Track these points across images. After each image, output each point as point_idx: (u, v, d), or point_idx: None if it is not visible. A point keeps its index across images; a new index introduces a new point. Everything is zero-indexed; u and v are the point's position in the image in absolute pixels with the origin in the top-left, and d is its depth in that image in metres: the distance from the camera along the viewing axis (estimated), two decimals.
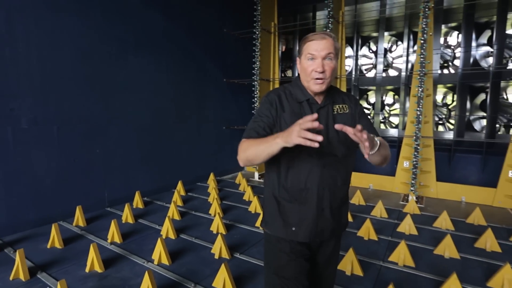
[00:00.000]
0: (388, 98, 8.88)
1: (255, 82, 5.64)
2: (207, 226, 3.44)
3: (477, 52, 6.17)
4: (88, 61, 3.74)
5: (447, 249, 2.92)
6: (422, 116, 4.37)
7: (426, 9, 4.09)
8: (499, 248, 3.02)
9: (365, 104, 8.71)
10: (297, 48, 7.29)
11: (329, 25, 4.83)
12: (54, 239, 2.92)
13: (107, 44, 3.94)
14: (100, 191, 3.94)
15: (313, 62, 1.21)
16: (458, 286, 2.20)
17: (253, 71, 5.72)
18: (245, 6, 5.79)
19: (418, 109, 4.27)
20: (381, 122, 8.43)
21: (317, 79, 1.21)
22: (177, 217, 3.67)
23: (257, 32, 5.57)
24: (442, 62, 8.00)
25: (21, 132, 3.19)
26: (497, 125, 6.75)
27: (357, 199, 4.42)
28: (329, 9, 4.81)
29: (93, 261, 2.53)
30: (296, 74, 1.36)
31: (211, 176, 5.37)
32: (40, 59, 3.31)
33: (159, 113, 4.69)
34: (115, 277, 2.44)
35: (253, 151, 1.12)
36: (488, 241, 3.08)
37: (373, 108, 7.99)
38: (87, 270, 2.51)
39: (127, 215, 3.56)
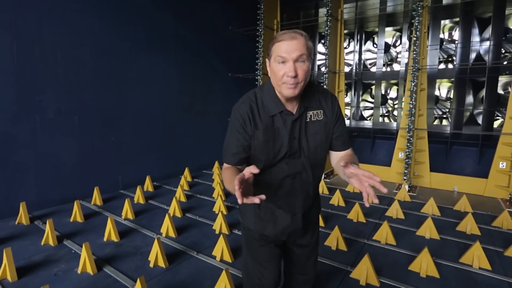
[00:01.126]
0: (392, 92, 9.02)
1: (258, 77, 5.94)
2: (210, 207, 3.80)
3: (481, 47, 6.27)
4: (106, 58, 4.14)
5: (428, 230, 3.18)
6: (415, 109, 4.58)
7: (419, 8, 4.29)
8: (479, 232, 3.25)
9: (368, 98, 8.88)
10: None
11: (328, 23, 5.07)
12: (76, 214, 3.33)
13: (122, 43, 4.31)
14: (114, 175, 4.36)
15: (284, 65, 1.11)
16: (429, 259, 2.48)
17: (256, 66, 6.01)
18: (250, 4, 6.06)
19: (411, 102, 4.48)
20: (381, 116, 8.57)
21: (289, 83, 1.11)
22: (183, 199, 4.05)
23: (260, 30, 5.85)
24: (445, 56, 8.09)
25: (47, 121, 3.61)
26: (500, 119, 6.85)
27: (351, 187, 4.69)
28: (327, 8, 5.04)
29: (110, 232, 2.92)
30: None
31: (216, 164, 5.74)
32: (64, 57, 3.71)
33: (169, 105, 5.07)
34: (129, 245, 2.82)
35: (227, 188, 1.15)
36: (469, 225, 3.32)
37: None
38: (105, 239, 2.91)
39: (138, 196, 3.95)
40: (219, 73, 6.00)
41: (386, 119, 9.10)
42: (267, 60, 1.20)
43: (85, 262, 2.36)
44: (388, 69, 8.66)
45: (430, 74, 5.67)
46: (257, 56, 6.00)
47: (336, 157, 1.33)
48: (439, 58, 7.33)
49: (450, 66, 7.70)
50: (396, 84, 8.33)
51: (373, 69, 8.07)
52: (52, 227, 2.82)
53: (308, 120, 1.24)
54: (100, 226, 3.13)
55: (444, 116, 8.49)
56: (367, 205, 1.00)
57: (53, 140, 3.68)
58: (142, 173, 4.62)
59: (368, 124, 7.90)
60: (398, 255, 2.79)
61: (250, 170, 0.93)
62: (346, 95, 8.17)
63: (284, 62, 1.11)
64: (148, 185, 4.49)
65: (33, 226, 3.17)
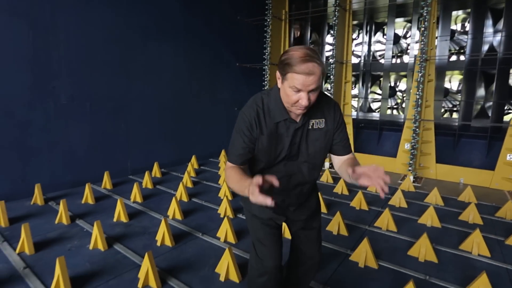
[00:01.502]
0: (402, 84, 8.90)
1: (266, 67, 5.97)
2: (216, 193, 3.90)
3: (494, 38, 6.13)
4: (116, 47, 4.24)
5: (429, 218, 3.22)
6: (422, 100, 4.55)
7: None
8: (481, 221, 3.27)
9: (377, 90, 8.79)
10: (308, 35, 7.48)
11: (336, 13, 5.04)
12: (88, 196, 3.48)
13: (131, 31, 4.41)
14: (124, 161, 4.51)
15: (298, 93, 1.14)
16: (428, 244, 2.53)
17: (263, 56, 6.04)
18: None
19: (418, 93, 4.46)
20: (389, 108, 8.49)
21: (300, 107, 1.17)
22: (190, 185, 4.16)
23: (268, 20, 5.85)
24: (457, 48, 7.92)
25: (60, 107, 3.74)
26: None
27: None
28: None
29: (119, 213, 3.06)
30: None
31: (222, 152, 5.84)
32: (76, 45, 3.83)
33: (177, 94, 5.16)
34: (137, 226, 2.95)
35: (232, 187, 1.24)
36: (471, 215, 3.34)
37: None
38: (114, 219, 3.05)
39: (147, 181, 4.08)
40: (227, 62, 6.05)
41: (395, 112, 9.02)
42: (279, 75, 1.20)
43: (97, 239, 2.50)
44: (398, 60, 8.54)
45: (439, 66, 5.61)
46: (264, 46, 6.02)
47: (339, 162, 1.39)
48: (451, 50, 7.19)
49: (461, 58, 7.55)
50: (406, 76, 8.23)
51: (382, 61, 7.96)
52: (65, 207, 2.97)
53: (310, 128, 1.31)
54: (110, 208, 3.27)
55: (455, 109, 8.36)
56: (383, 196, 1.04)
57: (66, 126, 3.82)
58: (151, 159, 4.75)
59: (376, 116, 7.86)
60: (398, 241, 2.84)
61: (272, 181, 1.04)
62: (355, 86, 8.13)
63: (299, 91, 1.14)
64: (156, 171, 4.62)
65: (47, 207, 3.33)
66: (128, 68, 4.42)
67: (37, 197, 3.39)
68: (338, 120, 1.35)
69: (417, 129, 4.56)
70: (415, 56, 6.78)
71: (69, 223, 2.94)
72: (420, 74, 4.44)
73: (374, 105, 9.10)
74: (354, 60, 7.93)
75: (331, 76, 5.30)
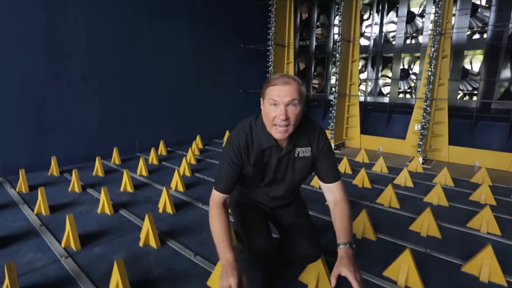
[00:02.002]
0: (416, 67, 8.55)
1: (270, 47, 5.87)
2: None
3: None
4: (123, 28, 4.33)
5: (436, 197, 3.12)
6: (434, 77, 4.35)
7: None
8: (494, 202, 3.09)
9: (389, 73, 8.47)
10: (315, 17, 7.25)
11: None
12: (98, 169, 3.62)
13: (137, 12, 4.47)
14: (131, 139, 4.66)
15: (276, 108, 1.19)
16: (431, 219, 2.46)
17: (268, 37, 5.94)
18: None
19: (430, 69, 4.27)
20: (402, 92, 8.18)
21: (279, 126, 1.20)
22: (193, 161, 4.25)
23: None
24: (480, 25, 7.48)
25: (72, 85, 3.90)
26: None
27: (361, 157, 4.64)
28: None
29: (125, 183, 3.16)
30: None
31: (227, 133, 5.89)
32: (85, 26, 3.94)
33: (182, 75, 5.23)
34: (142, 195, 3.06)
35: (212, 234, 1.26)
36: (483, 194, 3.17)
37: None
38: (121, 189, 3.17)
39: (152, 158, 4.20)
40: (231, 44, 6.03)
41: (407, 96, 8.71)
42: (261, 99, 1.28)
43: (104, 204, 2.62)
44: (413, 41, 8.16)
45: (457, 43, 5.31)
46: (269, 26, 5.91)
47: (331, 196, 1.41)
48: (472, 27, 6.76)
49: (485, 36, 7.11)
50: (419, 58, 7.88)
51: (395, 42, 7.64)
52: (77, 177, 3.13)
53: (297, 156, 1.36)
54: (117, 180, 3.38)
55: (475, 92, 7.98)
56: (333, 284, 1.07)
57: (78, 104, 3.99)
58: (157, 138, 4.86)
59: (386, 99, 7.62)
60: (400, 216, 2.79)
61: None
62: (364, 70, 7.86)
63: (276, 105, 1.19)
64: (162, 149, 4.74)
65: (62, 177, 3.53)
66: (135, 49, 4.50)
67: (53, 169, 3.58)
68: (322, 147, 1.36)
69: (428, 108, 4.38)
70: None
71: (80, 191, 3.09)
72: (433, 49, 4.24)
73: (386, 90, 8.78)
74: (365, 42, 7.66)
75: (337, 55, 5.16)
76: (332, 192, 1.40)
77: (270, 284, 1.59)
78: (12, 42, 3.34)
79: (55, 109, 3.76)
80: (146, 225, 2.11)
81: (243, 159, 1.32)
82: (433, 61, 4.26)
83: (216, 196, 1.34)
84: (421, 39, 7.88)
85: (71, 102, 3.89)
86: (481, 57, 7.44)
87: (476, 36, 7.02)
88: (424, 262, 2.04)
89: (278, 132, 1.22)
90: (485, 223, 2.55)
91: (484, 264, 1.89)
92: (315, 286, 1.70)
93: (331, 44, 6.99)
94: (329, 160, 1.38)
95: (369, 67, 7.59)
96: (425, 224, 2.46)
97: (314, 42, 6.83)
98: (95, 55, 4.06)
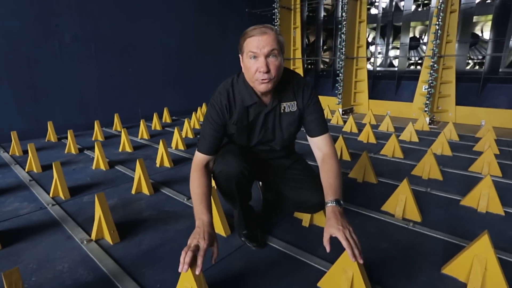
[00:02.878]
0: (427, 38, 8.20)
1: (275, 10, 5.67)
2: None
3: None
4: None
5: (440, 147, 3.04)
6: (442, 32, 4.15)
7: None
8: (498, 151, 3.05)
9: (398, 44, 8.16)
10: None
11: None
12: (97, 133, 3.61)
13: None
14: (134, 106, 4.60)
15: (256, 60, 1.12)
16: (432, 162, 2.39)
17: None
18: None
19: (437, 23, 4.07)
20: (412, 64, 7.88)
21: (262, 79, 1.14)
22: (197, 126, 4.20)
23: None
24: None
25: (65, 46, 3.78)
26: None
27: (368, 119, 4.53)
28: None
29: (124, 143, 3.15)
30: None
31: None
32: None
33: (182, 40, 5.08)
34: (140, 154, 3.03)
35: (191, 194, 1.21)
36: (487, 144, 3.11)
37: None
38: (119, 150, 3.15)
39: (155, 123, 4.17)
40: (235, 8, 5.82)
41: (419, 67, 8.40)
42: (240, 56, 1.21)
43: (98, 160, 2.59)
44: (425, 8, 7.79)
45: (466, 9, 5.02)
46: None
47: (318, 153, 1.32)
48: None
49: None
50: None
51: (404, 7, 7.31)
52: (73, 138, 3.10)
53: (283, 111, 1.30)
54: (117, 144, 3.36)
55: (484, 61, 7.66)
56: (353, 260, 0.98)
57: (73, 67, 3.88)
58: (161, 106, 4.79)
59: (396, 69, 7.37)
60: (403, 164, 2.72)
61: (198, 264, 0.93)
62: (373, 42, 7.57)
63: (256, 58, 1.12)
64: (166, 116, 4.70)
65: (60, 143, 3.50)
66: (130, 9, 4.34)
67: (51, 134, 3.55)
68: (308, 100, 1.30)
69: (435, 65, 4.21)
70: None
71: (77, 153, 3.07)
72: (441, 1, 4.01)
73: (396, 62, 8.49)
74: (374, 11, 7.36)
75: (343, 14, 4.95)
76: (319, 148, 1.31)
77: (249, 207, 1.53)
78: None
79: (48, 72, 3.65)
80: (138, 172, 2.08)
81: (226, 118, 1.27)
82: (441, 13, 4.04)
83: (199, 158, 1.29)
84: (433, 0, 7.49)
85: (65, 65, 3.79)
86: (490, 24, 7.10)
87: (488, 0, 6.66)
88: (424, 199, 1.99)
89: (261, 83, 1.15)
90: (486, 165, 2.50)
91: (483, 195, 1.83)
92: (309, 221, 1.66)
93: (340, 11, 6.74)
94: (315, 112, 1.31)
95: (377, 37, 7.30)
96: (427, 167, 2.39)
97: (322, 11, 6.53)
98: (89, 14, 3.90)
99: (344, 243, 0.97)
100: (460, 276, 1.23)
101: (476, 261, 1.18)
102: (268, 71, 1.12)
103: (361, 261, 0.98)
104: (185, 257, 0.92)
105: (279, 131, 1.34)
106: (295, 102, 1.30)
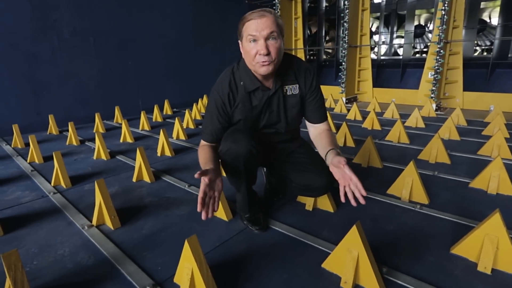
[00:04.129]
0: (432, 26, 8.02)
1: (276, 1, 5.56)
2: None
3: None
4: None
5: (447, 131, 2.97)
6: (448, 17, 4.03)
7: None
8: (508, 135, 2.96)
9: (403, 33, 8.00)
10: None
11: None
12: (98, 126, 3.59)
13: None
14: (135, 99, 4.58)
15: (256, 44, 1.12)
16: (440, 145, 2.33)
17: None
18: None
19: (444, 7, 3.95)
20: (418, 53, 7.72)
21: (262, 62, 1.13)
22: (198, 117, 4.16)
23: None
24: None
25: (64, 41, 3.76)
26: None
27: (372, 106, 4.45)
28: None
29: (125, 134, 3.13)
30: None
31: None
32: None
33: (182, 31, 5.02)
34: (141, 144, 3.00)
35: (200, 163, 1.25)
36: (496, 128, 3.03)
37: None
38: (121, 140, 3.13)
39: (156, 115, 4.14)
40: None
41: (424, 55, 8.24)
42: (239, 41, 1.21)
43: (99, 150, 2.58)
44: None
45: None
46: None
47: (314, 130, 1.40)
48: None
49: None
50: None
51: None
52: (74, 130, 3.09)
53: (286, 93, 1.31)
54: (119, 135, 3.34)
55: (492, 47, 7.48)
56: (343, 200, 1.07)
57: (73, 61, 3.87)
58: (162, 99, 4.77)
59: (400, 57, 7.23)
60: (409, 149, 2.67)
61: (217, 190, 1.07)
62: (376, 33, 7.43)
63: (256, 41, 1.12)
64: (167, 108, 4.67)
65: (61, 135, 3.50)
66: (128, 2, 4.29)
67: (52, 127, 3.55)
68: (310, 85, 1.32)
69: (441, 51, 4.10)
70: None
71: (78, 144, 3.06)
72: None
73: (401, 51, 8.33)
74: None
75: (346, 2, 4.85)
76: (315, 128, 1.41)
77: (253, 191, 1.47)
78: None
79: (48, 66, 3.65)
80: (139, 160, 2.06)
81: (229, 106, 1.28)
82: None
83: (203, 144, 1.36)
84: None
85: (64, 59, 3.77)
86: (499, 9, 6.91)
87: None
88: (432, 182, 1.93)
89: (261, 66, 1.14)
90: (496, 148, 2.43)
91: (493, 176, 1.77)
92: (312, 205, 1.62)
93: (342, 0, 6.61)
94: (317, 100, 1.36)
95: (381, 27, 7.16)
96: (434, 152, 2.33)
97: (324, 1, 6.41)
98: (86, 8, 3.87)
99: (346, 170, 1.06)
100: (471, 255, 1.19)
101: (487, 240, 1.14)
102: (268, 53, 1.11)
103: (363, 202, 1.01)
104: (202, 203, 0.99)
105: (283, 113, 1.34)
106: (297, 85, 1.31)
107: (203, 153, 1.28)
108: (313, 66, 6.58)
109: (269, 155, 1.47)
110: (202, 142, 1.36)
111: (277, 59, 1.16)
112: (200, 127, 3.66)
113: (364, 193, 1.01)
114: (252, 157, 1.25)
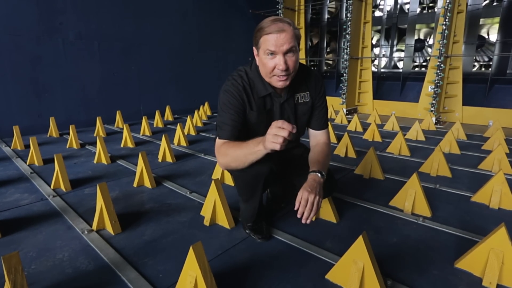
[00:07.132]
0: (431, 41, 8.15)
1: (279, 11, 5.66)
2: None
3: None
4: None
5: (448, 145, 2.98)
6: (449, 32, 4.11)
7: None
8: (508, 150, 2.97)
9: (403, 47, 8.12)
10: None
11: None
12: (99, 129, 3.58)
13: None
14: (136, 104, 4.58)
15: (274, 58, 1.10)
16: (441, 158, 2.33)
17: (277, 0, 5.71)
18: None
19: (444, 22, 4.02)
20: (417, 67, 7.81)
21: (280, 76, 1.12)
22: (200, 124, 4.17)
23: None
24: None
25: (69, 44, 3.79)
26: None
27: (373, 118, 4.48)
28: None
29: (126, 139, 3.11)
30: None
31: None
32: None
33: (186, 39, 5.07)
34: (142, 149, 2.99)
35: (235, 159, 1.13)
36: (496, 143, 3.05)
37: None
38: (121, 145, 3.12)
39: (157, 120, 4.13)
40: (239, 8, 5.82)
41: (423, 69, 8.33)
42: (254, 48, 1.18)
43: (100, 154, 2.56)
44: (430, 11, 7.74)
45: (472, 11, 4.97)
46: None
47: (313, 140, 1.40)
48: None
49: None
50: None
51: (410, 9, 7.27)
52: (75, 133, 3.08)
53: (297, 102, 1.30)
54: (119, 139, 3.33)
55: (491, 63, 7.59)
56: (301, 219, 1.07)
57: (76, 64, 3.89)
58: (163, 105, 4.78)
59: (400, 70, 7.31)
60: (410, 162, 2.67)
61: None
62: (377, 44, 7.54)
63: (274, 55, 1.10)
64: (168, 114, 4.67)
65: (61, 138, 3.48)
66: (135, 8, 4.35)
67: (52, 130, 3.53)
68: (319, 92, 1.33)
69: (441, 65, 4.16)
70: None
71: (78, 147, 3.05)
72: (448, 1, 3.97)
73: (401, 64, 8.42)
74: (378, 13, 7.33)
75: (348, 14, 4.93)
76: (315, 137, 1.40)
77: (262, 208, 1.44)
78: None
79: (51, 69, 3.66)
80: (140, 165, 2.04)
81: (245, 103, 1.22)
82: (448, 13, 3.99)
83: (222, 141, 1.22)
84: (439, 3, 7.44)
85: (68, 63, 3.79)
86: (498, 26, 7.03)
87: (495, 3, 6.59)
88: (433, 195, 1.93)
89: (279, 81, 1.14)
90: (497, 162, 2.44)
91: (495, 191, 1.77)
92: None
93: (344, 12, 6.72)
94: (323, 107, 1.37)
95: (382, 40, 7.25)
96: (435, 165, 2.33)
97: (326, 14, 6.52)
98: (92, 13, 3.91)
99: (297, 204, 1.05)
100: (475, 270, 1.18)
101: (492, 254, 1.13)
102: (286, 69, 1.10)
103: (304, 222, 1.04)
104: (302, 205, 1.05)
105: (293, 120, 1.33)
106: (308, 92, 1.32)
107: (232, 145, 1.16)
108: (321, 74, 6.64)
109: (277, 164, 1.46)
110: (220, 141, 1.22)
111: (294, 72, 1.15)
112: (202, 134, 3.68)
113: (313, 218, 1.05)
114: (271, 175, 1.25)
